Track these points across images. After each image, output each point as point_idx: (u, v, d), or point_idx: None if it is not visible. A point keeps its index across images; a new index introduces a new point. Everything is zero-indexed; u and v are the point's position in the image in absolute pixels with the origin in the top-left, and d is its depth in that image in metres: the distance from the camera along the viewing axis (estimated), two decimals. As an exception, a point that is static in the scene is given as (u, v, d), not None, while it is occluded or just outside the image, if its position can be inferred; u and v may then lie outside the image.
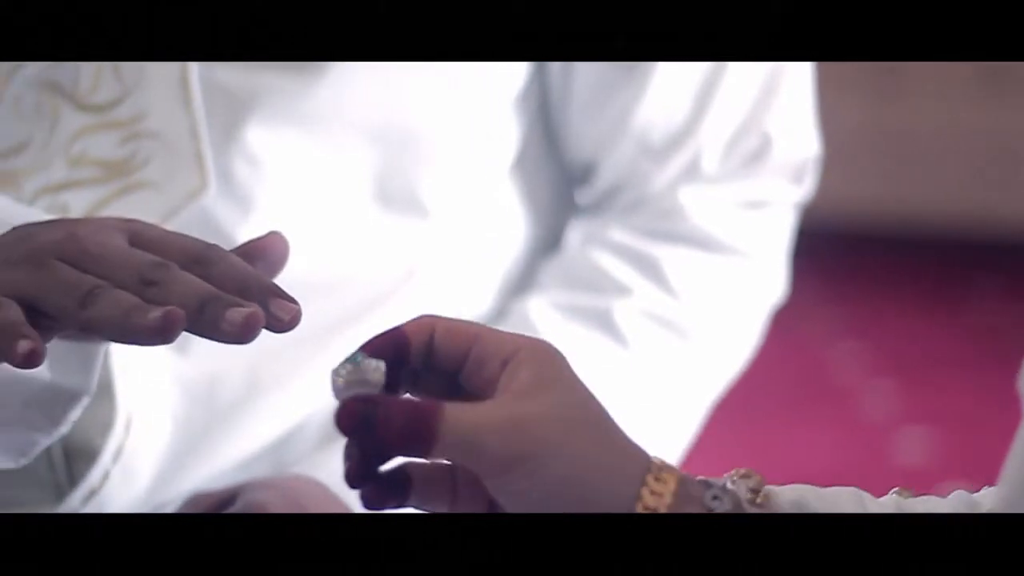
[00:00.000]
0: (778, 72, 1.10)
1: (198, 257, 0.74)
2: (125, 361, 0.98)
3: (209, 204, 0.99)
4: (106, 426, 0.98)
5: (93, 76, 1.00)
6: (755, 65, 1.09)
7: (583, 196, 1.15)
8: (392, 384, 0.70)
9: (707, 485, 0.69)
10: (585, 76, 1.07)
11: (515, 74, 1.06)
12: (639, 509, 0.67)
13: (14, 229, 0.79)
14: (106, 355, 0.96)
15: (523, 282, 1.13)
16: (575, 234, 1.14)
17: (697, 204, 1.10)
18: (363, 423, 0.67)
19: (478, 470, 0.67)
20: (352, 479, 0.70)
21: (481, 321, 1.10)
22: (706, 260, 1.10)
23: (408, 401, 0.68)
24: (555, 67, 1.07)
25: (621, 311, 1.08)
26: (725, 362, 1.14)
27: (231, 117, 1.00)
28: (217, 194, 0.99)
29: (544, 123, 1.11)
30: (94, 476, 0.98)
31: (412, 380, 0.71)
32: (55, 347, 0.82)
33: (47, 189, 1.01)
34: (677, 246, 1.10)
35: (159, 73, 0.99)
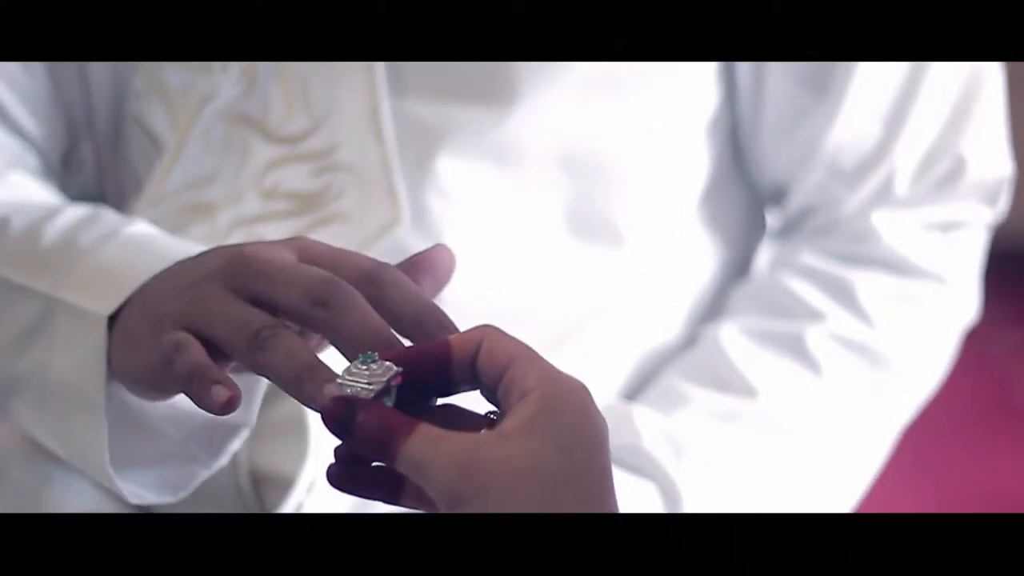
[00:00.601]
0: (970, 93, 1.08)
1: (370, 276, 0.74)
2: None
3: (402, 236, 0.99)
4: (299, 457, 0.98)
5: (283, 108, 1.01)
6: (946, 87, 1.07)
7: (773, 220, 1.14)
8: (448, 385, 0.70)
9: None
10: (776, 101, 1.06)
11: (706, 100, 1.05)
12: None
13: (182, 261, 0.80)
14: None
15: (714, 307, 1.12)
16: (766, 258, 1.13)
17: (890, 227, 1.08)
18: (342, 424, 0.68)
19: (430, 494, 0.67)
20: (338, 453, 0.70)
21: (671, 348, 1.10)
22: (899, 284, 1.09)
23: (387, 413, 0.68)
24: (745, 93, 1.07)
25: (814, 336, 1.07)
26: (917, 387, 1.12)
27: (423, 149, 1.00)
28: (410, 226, 0.99)
29: (734, 148, 1.10)
30: (287, 506, 0.98)
31: (469, 385, 0.71)
32: None
33: (241, 222, 1.02)
34: (870, 270, 1.08)
35: (349, 104, 0.99)
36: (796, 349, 1.07)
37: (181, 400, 0.82)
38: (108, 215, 0.92)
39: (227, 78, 1.00)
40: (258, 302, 0.74)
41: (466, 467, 0.65)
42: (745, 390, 1.06)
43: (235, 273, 0.74)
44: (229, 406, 0.71)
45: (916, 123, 1.07)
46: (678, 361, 1.09)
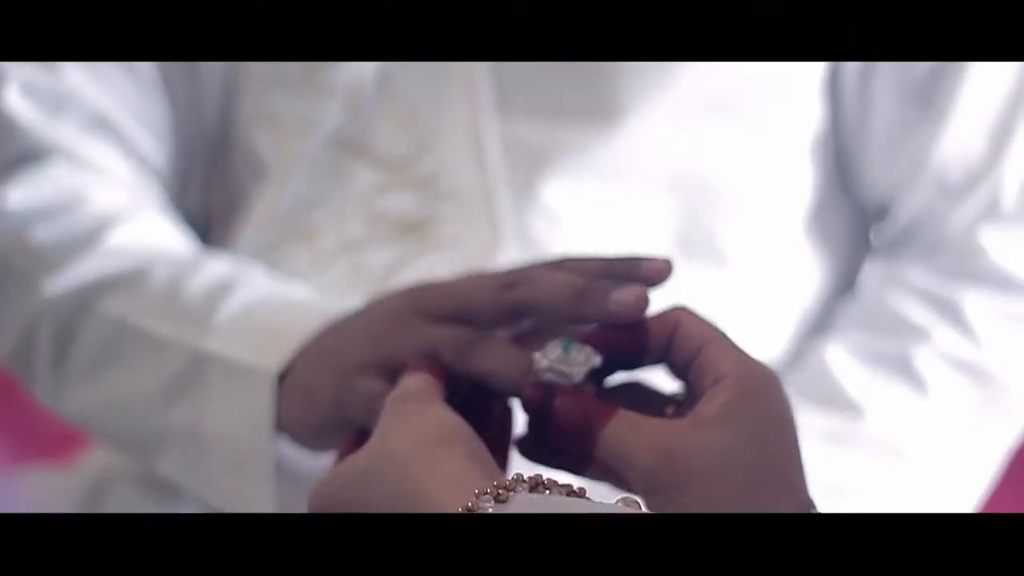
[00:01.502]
0: None
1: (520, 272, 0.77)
2: None
3: (506, 261, 0.99)
4: None
5: (389, 134, 1.01)
6: None
7: (879, 237, 1.13)
8: (640, 363, 0.72)
9: None
10: (881, 117, 1.06)
11: (811, 119, 1.05)
12: None
13: (346, 315, 0.81)
14: None
15: (819, 325, 1.11)
16: (871, 276, 1.12)
17: (997, 244, 1.07)
18: (541, 409, 0.70)
19: (628, 481, 0.68)
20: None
21: (777, 367, 1.09)
22: (1007, 302, 1.07)
23: (586, 400, 0.69)
24: (851, 110, 1.06)
25: (921, 356, 1.06)
26: None
27: (527, 173, 1.00)
28: (514, 251, 1.00)
29: (839, 166, 1.09)
30: None
31: (658, 363, 0.72)
32: None
33: (346, 247, 1.02)
34: (977, 288, 1.07)
35: (454, 130, 1.00)
36: (903, 368, 1.06)
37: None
38: (254, 272, 0.94)
39: (333, 104, 1.01)
40: (448, 319, 0.75)
41: (667, 455, 0.66)
42: (852, 409, 1.05)
43: (421, 300, 0.76)
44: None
45: (1022, 136, 1.06)
46: (784, 380, 1.08)
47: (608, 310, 0.72)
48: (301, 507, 0.83)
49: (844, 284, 1.13)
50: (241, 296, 0.89)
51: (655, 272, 0.76)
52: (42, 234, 0.98)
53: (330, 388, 0.77)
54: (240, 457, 0.84)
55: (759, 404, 0.68)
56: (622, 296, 0.72)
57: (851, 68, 1.04)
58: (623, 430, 0.68)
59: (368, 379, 0.75)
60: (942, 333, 1.06)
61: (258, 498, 0.83)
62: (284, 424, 0.82)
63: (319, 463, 0.84)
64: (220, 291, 0.90)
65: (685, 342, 0.71)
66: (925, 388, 1.06)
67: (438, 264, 1.00)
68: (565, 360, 0.71)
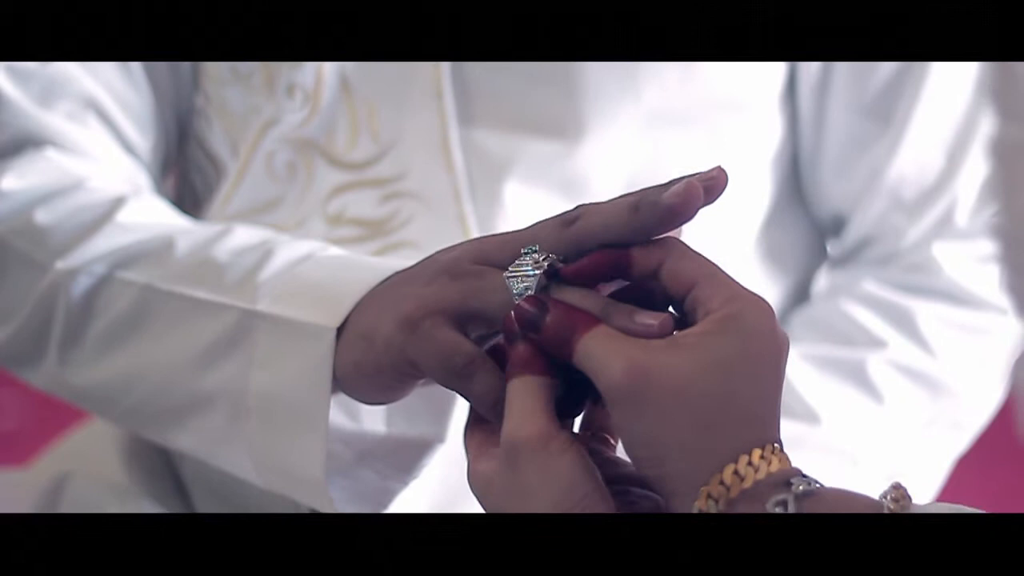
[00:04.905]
0: None
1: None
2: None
3: None
4: None
5: (349, 133, 1.01)
6: None
7: (834, 249, 1.14)
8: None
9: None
10: (837, 132, 1.07)
11: (771, 134, 1.06)
12: (697, 506, 0.67)
13: (402, 270, 0.81)
14: None
15: None
16: (826, 286, 1.14)
17: (950, 258, 1.09)
18: (531, 321, 0.71)
19: (600, 391, 0.70)
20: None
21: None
22: (959, 314, 1.09)
23: (569, 311, 0.71)
24: (807, 124, 1.07)
25: (875, 364, 1.07)
26: (976, 415, 1.12)
27: (490, 178, 1.01)
28: None
29: (795, 179, 1.11)
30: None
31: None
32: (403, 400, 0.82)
33: None
34: (930, 300, 1.09)
35: (417, 132, 1.00)
36: (858, 376, 1.08)
37: (356, 413, 0.84)
38: (285, 237, 0.92)
39: (291, 103, 1.01)
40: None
41: (634, 366, 0.68)
42: (808, 416, 1.06)
43: (483, 248, 0.76)
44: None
45: (977, 154, 1.07)
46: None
47: (663, 206, 0.72)
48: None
49: (799, 295, 1.15)
50: (283, 257, 0.88)
51: (710, 180, 0.74)
52: (45, 217, 0.96)
53: (394, 334, 0.76)
54: (293, 414, 0.82)
55: (737, 336, 0.69)
56: (673, 189, 0.72)
57: (807, 82, 1.06)
58: (599, 340, 0.70)
59: (436, 323, 0.75)
60: (897, 343, 1.08)
61: (309, 454, 0.82)
62: (339, 377, 0.80)
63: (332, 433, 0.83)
64: (259, 254, 0.89)
65: (674, 279, 0.72)
66: (879, 396, 1.07)
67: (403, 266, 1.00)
68: (525, 263, 0.73)
